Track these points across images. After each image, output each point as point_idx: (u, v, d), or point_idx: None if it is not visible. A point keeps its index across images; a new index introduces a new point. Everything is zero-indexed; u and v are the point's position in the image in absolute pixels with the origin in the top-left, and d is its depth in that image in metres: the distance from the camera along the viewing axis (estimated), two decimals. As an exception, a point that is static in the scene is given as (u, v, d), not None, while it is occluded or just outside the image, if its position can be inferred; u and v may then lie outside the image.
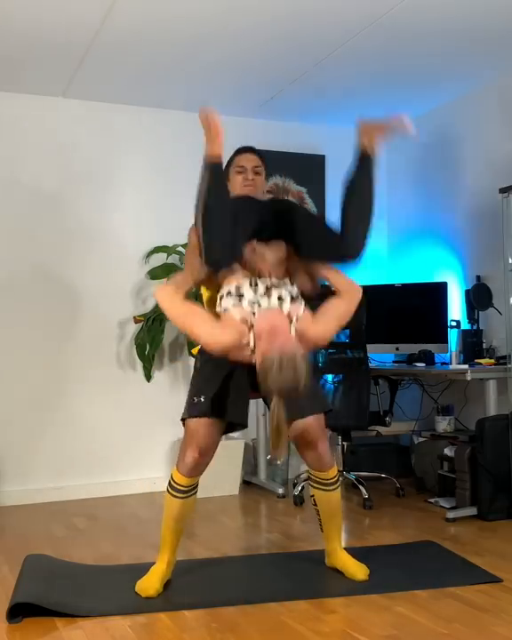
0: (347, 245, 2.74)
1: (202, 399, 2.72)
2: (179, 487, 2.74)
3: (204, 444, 2.72)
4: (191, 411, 2.74)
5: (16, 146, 4.43)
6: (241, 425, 2.79)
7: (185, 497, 2.75)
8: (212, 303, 2.75)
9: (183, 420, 2.78)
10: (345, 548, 2.96)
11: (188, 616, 2.53)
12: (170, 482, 2.77)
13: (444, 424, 4.38)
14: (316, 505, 2.92)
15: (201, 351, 2.82)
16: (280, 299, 2.54)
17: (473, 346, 4.29)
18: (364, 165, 2.74)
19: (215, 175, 2.56)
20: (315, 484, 2.88)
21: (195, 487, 2.78)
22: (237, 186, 2.89)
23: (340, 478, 2.95)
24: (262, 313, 2.50)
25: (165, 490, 2.78)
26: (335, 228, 2.74)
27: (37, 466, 4.38)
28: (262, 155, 3.01)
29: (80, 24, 3.52)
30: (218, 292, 2.66)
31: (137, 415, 4.61)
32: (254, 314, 2.49)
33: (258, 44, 3.80)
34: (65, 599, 2.63)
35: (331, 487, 2.85)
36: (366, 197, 2.74)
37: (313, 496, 2.92)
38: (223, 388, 2.71)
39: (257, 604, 2.60)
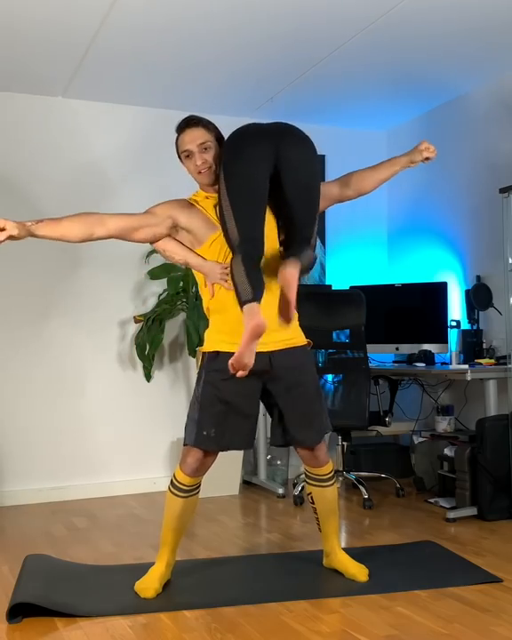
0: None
1: (212, 434, 2.67)
2: (181, 486, 2.74)
3: (204, 459, 2.74)
4: (198, 441, 2.69)
5: (16, 146, 4.43)
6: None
7: (187, 496, 2.75)
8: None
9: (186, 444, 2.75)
10: (345, 548, 2.96)
11: (188, 616, 2.53)
12: (172, 480, 2.77)
13: (444, 424, 4.38)
14: (313, 503, 2.92)
15: (201, 362, 2.78)
16: None
17: (473, 346, 4.29)
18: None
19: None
20: (310, 481, 2.89)
21: (197, 487, 2.78)
22: (192, 173, 2.73)
23: (336, 475, 2.95)
24: None
25: (167, 488, 2.79)
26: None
27: (37, 466, 4.38)
28: (206, 123, 2.72)
29: (80, 24, 3.52)
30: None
31: (137, 415, 4.61)
32: None
33: (258, 44, 3.80)
34: (65, 599, 2.64)
35: (326, 483, 2.86)
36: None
37: (310, 494, 2.93)
38: (228, 422, 2.69)
39: (257, 604, 2.60)
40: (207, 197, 2.75)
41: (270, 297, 2.65)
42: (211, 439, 2.68)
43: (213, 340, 2.74)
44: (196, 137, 2.68)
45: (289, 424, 2.77)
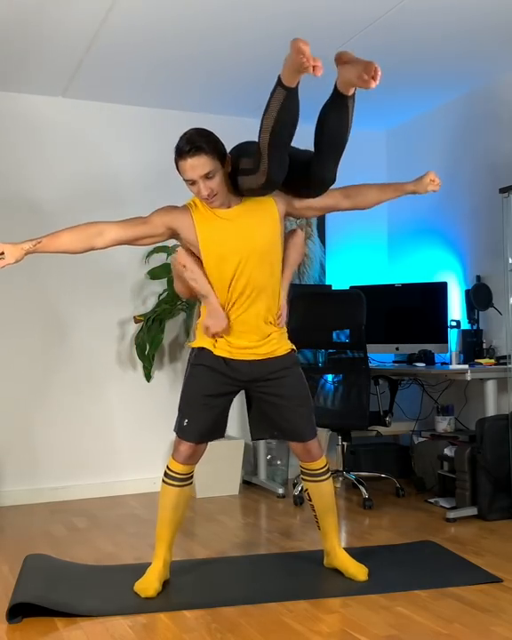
0: (317, 176, 2.68)
1: (186, 423, 2.80)
2: (175, 475, 2.79)
3: (195, 447, 2.82)
4: (179, 432, 2.82)
5: (16, 146, 4.43)
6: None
7: (181, 485, 2.80)
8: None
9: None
10: (345, 548, 2.96)
11: (188, 616, 2.53)
12: (166, 471, 2.82)
13: (444, 424, 4.38)
14: (310, 500, 2.94)
15: (189, 356, 2.89)
16: None
17: (473, 346, 4.29)
18: (336, 103, 2.56)
19: (289, 98, 2.37)
20: (305, 476, 2.91)
21: (190, 476, 2.84)
22: (198, 197, 2.67)
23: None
24: None
25: (161, 480, 2.83)
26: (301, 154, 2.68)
27: (37, 466, 4.38)
28: (207, 148, 2.53)
29: (80, 24, 3.52)
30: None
31: (137, 415, 4.61)
32: None
33: (258, 44, 3.80)
34: (65, 599, 2.64)
35: (320, 477, 2.88)
36: (334, 132, 2.57)
37: (306, 490, 2.95)
38: (207, 413, 2.80)
39: (257, 604, 2.60)
40: (206, 209, 2.72)
41: (255, 310, 2.75)
42: (184, 429, 2.79)
43: (202, 338, 2.82)
44: (196, 166, 2.54)
45: (283, 421, 2.84)
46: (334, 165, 2.66)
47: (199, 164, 2.54)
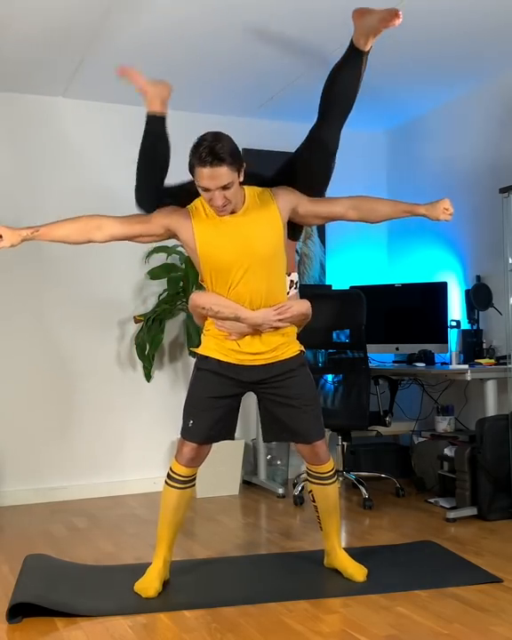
0: (323, 132, 2.72)
1: (191, 424, 2.79)
2: (178, 477, 2.79)
3: (198, 449, 2.80)
4: (184, 433, 2.82)
5: (16, 146, 4.43)
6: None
7: (183, 487, 2.79)
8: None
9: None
10: (345, 548, 2.96)
11: (188, 616, 2.53)
12: (168, 473, 2.82)
13: (444, 424, 4.38)
14: (314, 501, 2.94)
15: (195, 361, 2.88)
16: None
17: (473, 346, 4.29)
18: (351, 59, 2.59)
19: (150, 125, 2.83)
20: (311, 479, 2.91)
21: (193, 479, 2.83)
22: (208, 204, 2.62)
23: (337, 473, 2.97)
24: None
25: (164, 482, 2.83)
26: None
27: (38, 466, 4.38)
28: (231, 159, 2.46)
29: (80, 24, 3.52)
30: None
31: (137, 415, 4.61)
32: None
33: (258, 44, 3.79)
34: (65, 599, 2.64)
35: (327, 481, 2.87)
36: (345, 88, 2.59)
37: (310, 492, 2.94)
38: (211, 414, 2.78)
39: (257, 604, 2.60)
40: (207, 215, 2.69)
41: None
42: (188, 429, 2.79)
43: (208, 347, 2.81)
44: (216, 177, 2.48)
45: (290, 422, 2.82)
46: (338, 127, 2.63)
47: (219, 175, 2.48)
